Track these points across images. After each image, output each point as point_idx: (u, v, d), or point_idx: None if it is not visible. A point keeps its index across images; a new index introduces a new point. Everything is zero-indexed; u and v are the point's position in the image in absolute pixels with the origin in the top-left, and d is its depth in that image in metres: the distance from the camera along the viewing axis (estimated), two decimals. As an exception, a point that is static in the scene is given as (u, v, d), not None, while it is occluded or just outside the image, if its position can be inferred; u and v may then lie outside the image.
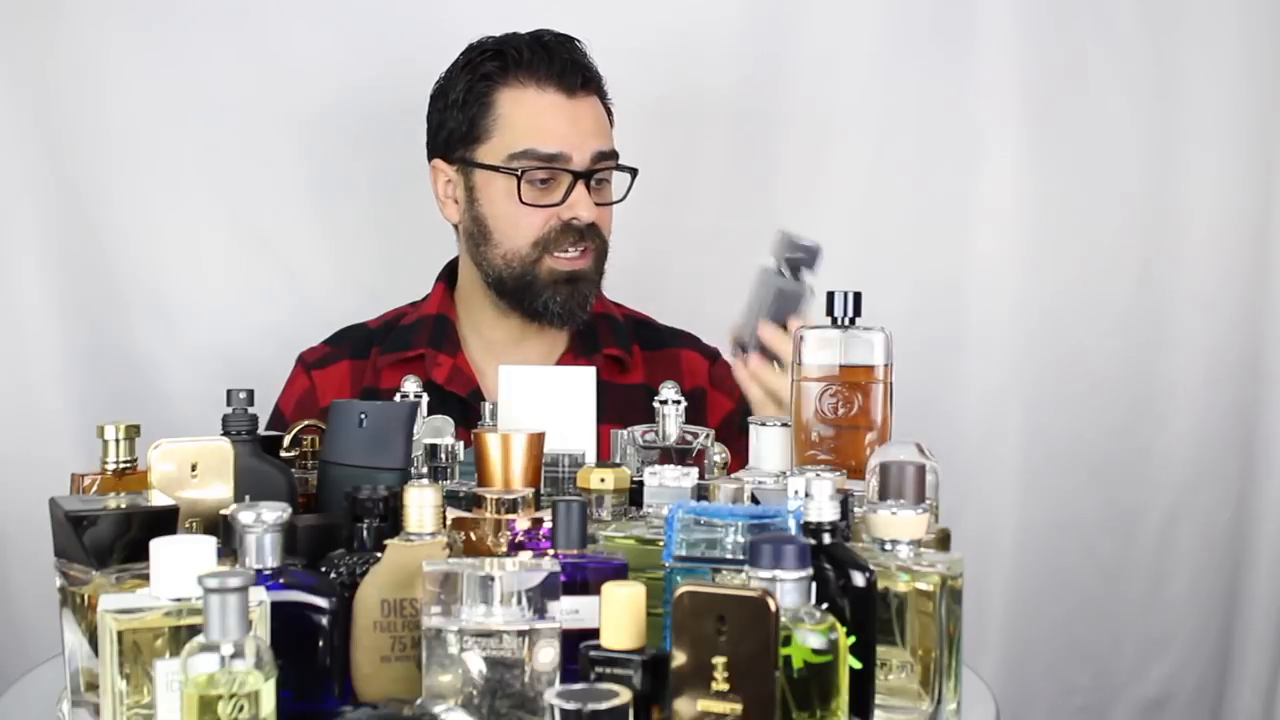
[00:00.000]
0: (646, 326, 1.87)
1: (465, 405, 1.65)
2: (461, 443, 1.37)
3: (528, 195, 1.69)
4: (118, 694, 0.91)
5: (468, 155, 1.73)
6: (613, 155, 1.74)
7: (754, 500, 1.25)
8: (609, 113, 1.78)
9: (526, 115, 1.70)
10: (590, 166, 1.70)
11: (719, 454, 1.40)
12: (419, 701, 0.92)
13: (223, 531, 1.11)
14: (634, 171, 1.75)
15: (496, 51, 1.72)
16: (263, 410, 1.43)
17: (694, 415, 1.57)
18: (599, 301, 1.84)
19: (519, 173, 1.69)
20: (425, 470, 1.34)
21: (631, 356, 1.80)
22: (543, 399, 1.39)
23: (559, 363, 1.77)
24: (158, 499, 1.10)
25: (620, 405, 1.50)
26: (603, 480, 1.24)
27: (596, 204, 1.71)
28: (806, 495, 1.03)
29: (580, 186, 1.69)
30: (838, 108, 2.14)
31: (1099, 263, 2.17)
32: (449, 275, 1.85)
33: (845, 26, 2.13)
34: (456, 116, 1.73)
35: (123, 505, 1.05)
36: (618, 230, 2.06)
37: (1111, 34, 2.14)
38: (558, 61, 1.69)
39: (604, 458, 1.41)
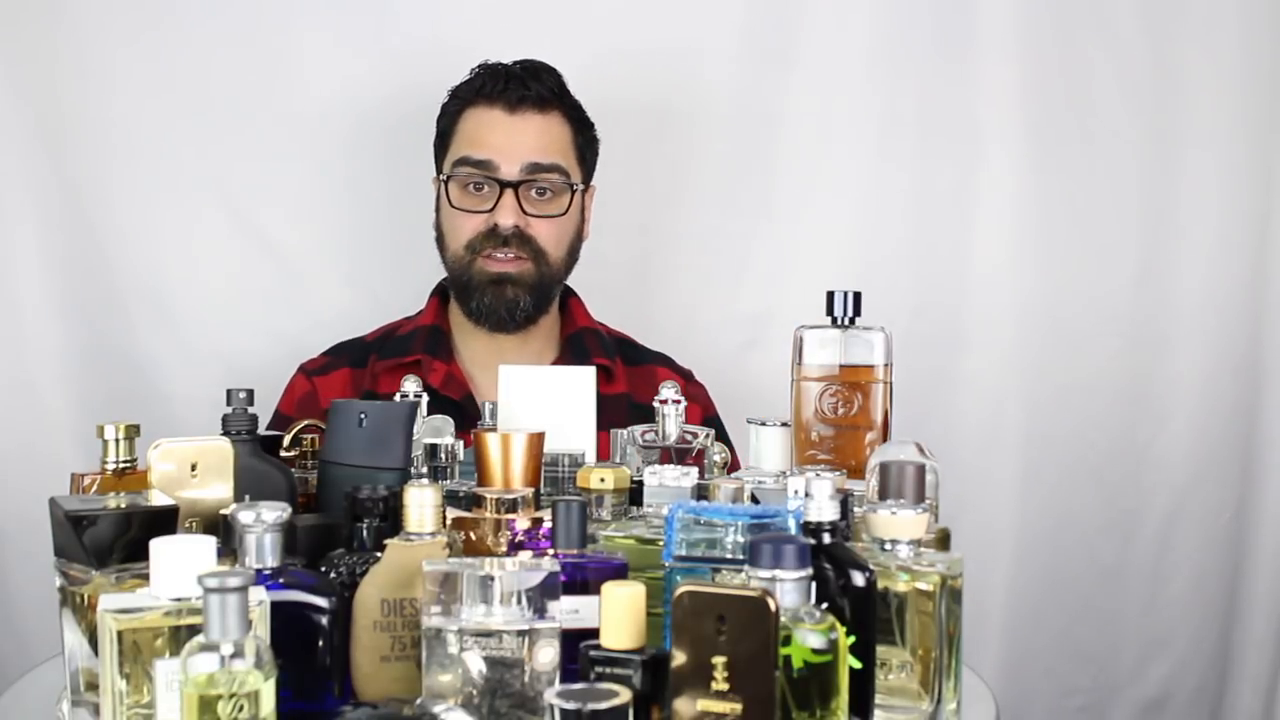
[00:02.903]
0: (627, 345, 1.93)
1: (460, 409, 1.67)
2: (461, 442, 1.37)
3: (459, 200, 1.80)
4: (118, 694, 0.91)
5: (437, 168, 1.85)
6: (553, 170, 1.78)
7: (754, 500, 1.25)
8: (582, 134, 1.84)
9: (469, 129, 1.82)
10: (520, 177, 1.76)
11: (719, 454, 1.40)
12: (419, 701, 0.92)
13: (223, 531, 1.11)
14: (573, 188, 1.80)
15: (472, 78, 1.83)
16: (262, 412, 1.43)
17: None
18: (586, 318, 1.89)
19: (445, 178, 1.81)
20: (425, 470, 1.34)
21: (615, 368, 1.85)
22: (543, 399, 1.39)
23: None
24: (158, 499, 1.10)
25: (604, 413, 1.51)
26: (603, 480, 1.24)
27: (533, 214, 1.77)
28: (806, 495, 1.03)
29: (509, 195, 1.76)
30: (838, 108, 2.14)
31: (1099, 263, 2.17)
32: (442, 289, 1.89)
33: (845, 27, 2.13)
34: (437, 137, 1.85)
35: (123, 505, 1.05)
36: (619, 230, 2.06)
37: (1111, 34, 2.14)
38: (511, 83, 1.80)
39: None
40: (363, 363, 1.85)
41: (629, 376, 1.85)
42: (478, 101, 1.81)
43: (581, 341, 1.85)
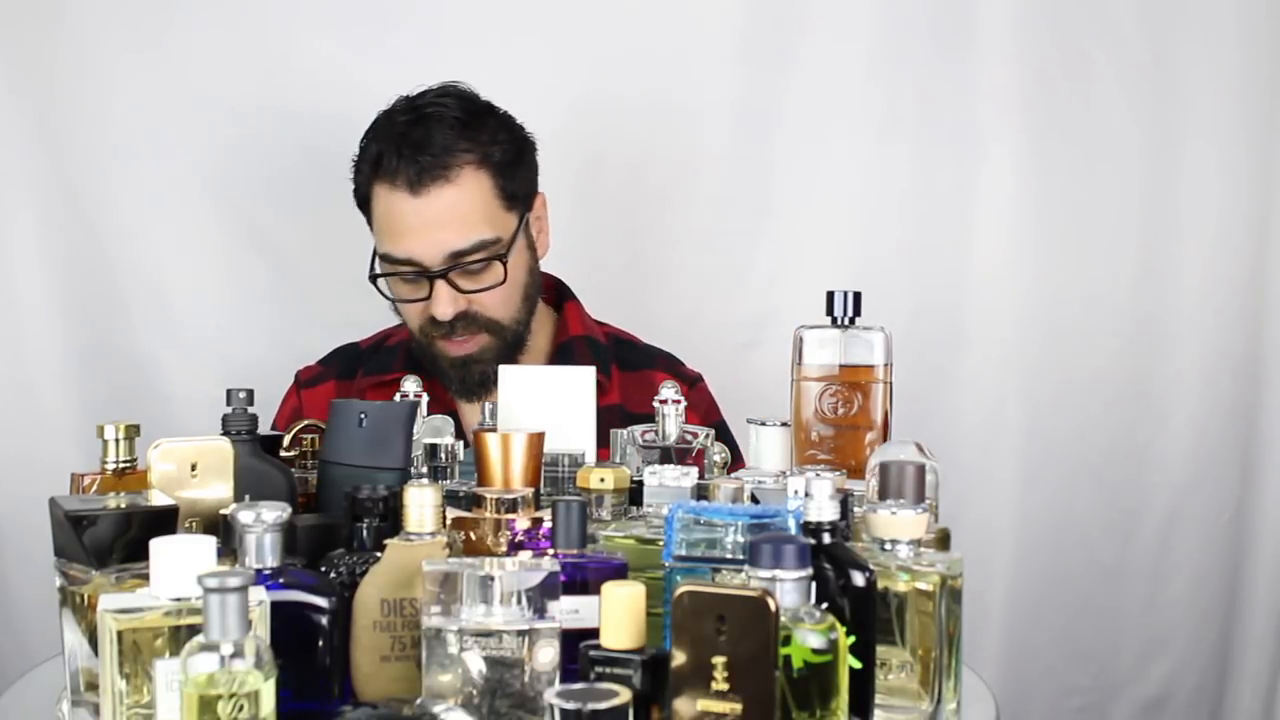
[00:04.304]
0: (628, 347, 1.86)
1: None
2: (461, 442, 1.37)
3: (396, 292, 1.72)
4: (118, 694, 0.91)
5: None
6: (477, 249, 1.65)
7: (754, 500, 1.25)
8: (504, 173, 1.68)
9: (381, 215, 1.69)
10: (445, 265, 1.65)
11: (719, 454, 1.40)
12: (419, 701, 0.92)
13: (223, 531, 1.11)
14: (503, 259, 1.66)
15: (367, 146, 1.70)
16: (261, 412, 1.43)
17: None
18: (579, 324, 1.83)
19: (373, 278, 1.71)
20: (425, 470, 1.34)
21: (609, 379, 1.79)
22: (543, 399, 1.39)
23: None
24: (158, 499, 1.10)
25: (597, 426, 1.49)
26: (602, 480, 1.24)
27: (471, 290, 1.67)
28: (806, 495, 1.03)
29: (440, 285, 1.66)
30: (838, 108, 2.14)
31: (1099, 263, 2.17)
32: None
33: (845, 27, 2.13)
34: (356, 198, 1.74)
35: (123, 505, 1.05)
36: (619, 231, 2.06)
37: (1111, 34, 2.15)
38: (404, 157, 1.64)
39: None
40: (351, 373, 1.83)
41: (623, 384, 1.79)
42: (380, 178, 1.67)
43: (570, 353, 1.79)
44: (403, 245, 1.67)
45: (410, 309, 1.72)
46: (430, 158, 1.64)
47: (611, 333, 1.87)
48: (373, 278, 1.72)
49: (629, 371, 1.82)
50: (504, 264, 1.67)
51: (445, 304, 1.67)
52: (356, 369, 1.84)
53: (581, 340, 1.82)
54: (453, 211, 1.65)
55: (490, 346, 1.71)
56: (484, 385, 1.71)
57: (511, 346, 1.73)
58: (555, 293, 1.86)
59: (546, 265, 1.87)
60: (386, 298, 1.73)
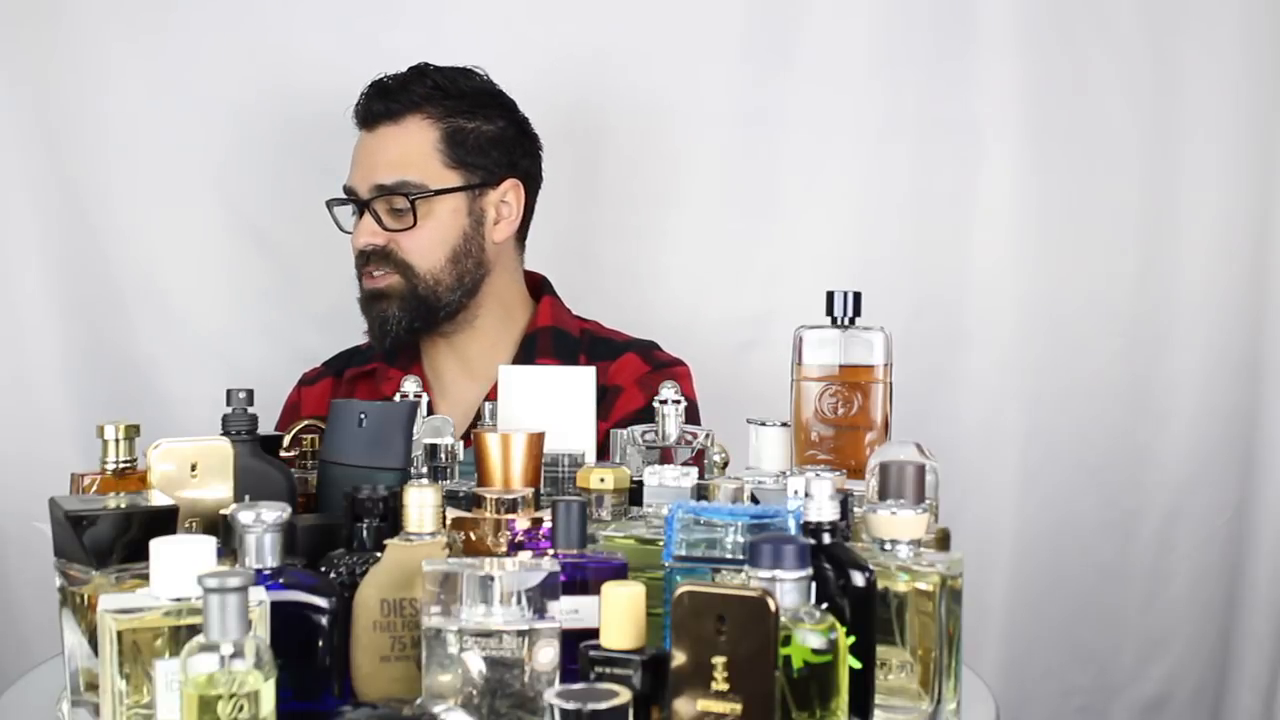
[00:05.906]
0: (603, 343, 1.84)
1: None
2: (461, 442, 1.37)
3: (345, 224, 1.83)
4: (117, 694, 0.91)
5: None
6: (398, 187, 1.74)
7: (754, 500, 1.25)
8: (456, 135, 1.76)
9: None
10: (370, 196, 1.76)
11: (719, 454, 1.40)
12: (419, 701, 0.92)
13: (223, 531, 1.11)
14: (411, 199, 1.73)
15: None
16: (261, 412, 1.43)
17: (601, 412, 1.57)
18: (549, 316, 1.84)
19: (328, 203, 1.82)
20: (425, 470, 1.34)
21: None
22: (542, 399, 1.39)
23: None
24: (157, 499, 1.10)
25: None
26: (602, 480, 1.24)
27: (393, 229, 1.75)
28: (806, 495, 1.03)
29: (366, 216, 1.76)
30: (837, 108, 2.13)
31: (1099, 263, 2.17)
32: None
33: (845, 27, 2.13)
34: None
35: (122, 505, 1.05)
36: (618, 231, 2.06)
37: (1111, 33, 2.14)
38: (368, 97, 1.79)
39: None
40: (344, 370, 1.87)
41: None
42: (358, 120, 1.81)
43: (534, 343, 1.81)
44: (350, 176, 1.79)
45: (351, 243, 1.79)
46: (391, 103, 1.77)
47: (589, 328, 1.86)
48: (327, 203, 1.82)
49: (593, 362, 1.77)
50: (413, 206, 1.73)
51: (363, 233, 1.76)
52: (349, 365, 1.87)
53: (548, 331, 1.83)
54: (388, 149, 1.76)
55: (399, 287, 1.76)
56: (385, 327, 1.76)
57: (424, 301, 1.76)
58: (539, 288, 1.88)
59: (541, 265, 1.87)
60: (339, 227, 1.82)
